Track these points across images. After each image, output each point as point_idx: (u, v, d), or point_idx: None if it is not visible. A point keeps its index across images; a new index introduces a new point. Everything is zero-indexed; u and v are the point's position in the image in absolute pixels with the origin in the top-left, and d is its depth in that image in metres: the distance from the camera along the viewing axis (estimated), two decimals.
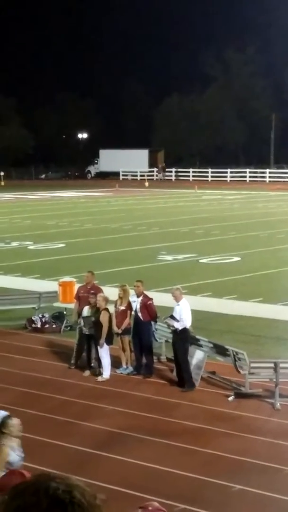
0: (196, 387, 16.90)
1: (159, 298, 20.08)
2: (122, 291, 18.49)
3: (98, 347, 17.75)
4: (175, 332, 17.43)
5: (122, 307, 18.23)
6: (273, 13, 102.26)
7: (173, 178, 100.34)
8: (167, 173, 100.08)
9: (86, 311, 18.35)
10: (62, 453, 13.33)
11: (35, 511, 1.75)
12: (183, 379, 17.02)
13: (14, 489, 1.84)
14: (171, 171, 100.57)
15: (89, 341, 18.28)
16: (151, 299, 18.36)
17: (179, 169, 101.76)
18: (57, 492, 1.78)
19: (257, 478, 12.31)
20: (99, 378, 17.59)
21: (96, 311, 18.00)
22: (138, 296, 18.17)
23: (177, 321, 17.25)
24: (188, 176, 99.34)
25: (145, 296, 18.26)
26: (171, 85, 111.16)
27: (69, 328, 21.36)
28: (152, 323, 18.27)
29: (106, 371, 17.66)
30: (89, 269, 21.00)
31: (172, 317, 17.40)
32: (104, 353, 17.67)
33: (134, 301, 18.15)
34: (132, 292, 18.61)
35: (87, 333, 18.22)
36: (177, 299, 17.45)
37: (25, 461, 12.93)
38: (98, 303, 17.91)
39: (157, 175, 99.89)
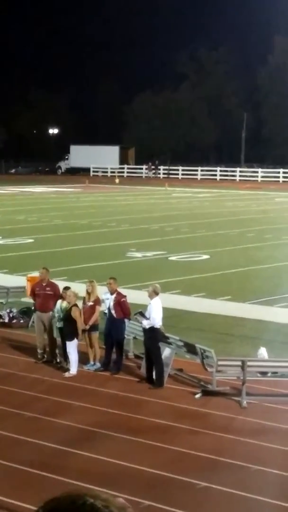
0: (164, 385, 16.90)
1: (128, 295, 20.04)
2: (90, 287, 18.45)
3: (67, 343, 17.71)
4: (144, 330, 17.42)
5: (90, 303, 18.19)
6: (247, 12, 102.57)
7: (143, 175, 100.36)
8: (157, 170, 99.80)
9: (59, 306, 18.38)
10: (30, 449, 13.26)
11: None
12: (152, 376, 17.00)
13: (49, 505, 1.80)
14: (159, 169, 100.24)
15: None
16: (125, 296, 18.32)
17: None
18: (95, 507, 1.76)
19: (223, 476, 12.33)
20: (66, 374, 17.54)
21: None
22: (111, 293, 18.12)
23: (147, 319, 17.23)
24: (159, 173, 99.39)
25: (119, 294, 18.21)
26: (143, 83, 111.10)
27: None
28: (126, 320, 18.22)
29: (74, 367, 17.62)
30: (58, 264, 20.92)
31: (142, 314, 17.39)
32: (72, 348, 17.63)
33: (108, 298, 18.09)
34: (105, 289, 18.56)
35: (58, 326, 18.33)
36: (150, 297, 17.43)
37: None
38: (68, 298, 17.87)
39: (147, 173, 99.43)
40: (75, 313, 17.69)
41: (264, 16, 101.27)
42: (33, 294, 19.37)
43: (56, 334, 18.70)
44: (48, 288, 18.97)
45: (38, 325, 18.96)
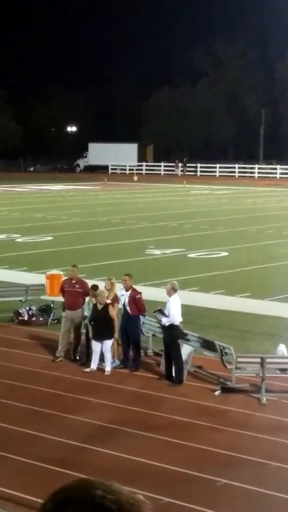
0: (183, 382, 16.91)
1: (147, 292, 20.08)
2: (109, 284, 18.47)
3: (104, 342, 17.59)
4: (164, 327, 17.43)
5: (108, 301, 18.20)
6: (265, 7, 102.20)
7: (162, 172, 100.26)
8: (186, 168, 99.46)
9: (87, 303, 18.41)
10: (48, 446, 13.31)
11: None
12: (171, 374, 17.02)
13: (56, 496, 1.74)
14: (191, 166, 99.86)
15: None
16: (140, 293, 18.33)
17: (168, 164, 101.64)
18: (104, 501, 1.69)
19: (243, 473, 12.33)
20: (106, 372, 17.45)
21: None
22: (126, 290, 18.13)
23: (166, 316, 17.23)
24: (188, 171, 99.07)
25: (134, 290, 18.22)
26: (161, 79, 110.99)
27: (56, 321, 21.34)
28: (140, 317, 18.24)
29: (109, 366, 17.65)
30: (77, 262, 20.97)
31: (161, 311, 17.39)
32: (109, 348, 17.65)
33: (123, 295, 18.11)
34: (120, 286, 18.59)
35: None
36: (168, 294, 17.43)
37: (12, 454, 12.93)
38: (101, 298, 17.71)
39: (181, 170, 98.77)
40: (112, 312, 17.65)
41: (282, 10, 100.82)
42: (62, 292, 19.38)
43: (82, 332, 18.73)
44: (77, 286, 18.96)
45: (65, 324, 18.87)
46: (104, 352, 17.69)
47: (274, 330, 21.00)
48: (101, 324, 17.69)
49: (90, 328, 18.24)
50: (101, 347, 17.69)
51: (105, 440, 13.58)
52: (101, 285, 19.08)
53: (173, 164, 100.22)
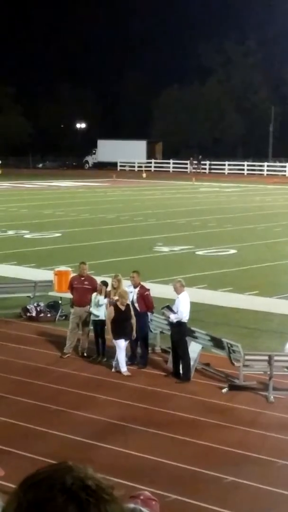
0: (191, 379, 16.89)
1: (155, 290, 20.07)
2: (116, 281, 18.43)
3: (124, 341, 17.45)
4: (171, 324, 17.40)
5: (116, 298, 18.15)
6: (275, 5, 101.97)
7: (171, 169, 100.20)
8: (201, 165, 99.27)
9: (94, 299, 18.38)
10: (55, 442, 13.32)
11: (50, 507, 1.67)
12: (179, 371, 17.00)
13: (28, 480, 1.74)
14: (203, 164, 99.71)
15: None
16: (148, 289, 18.31)
17: (177, 161, 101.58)
18: (73, 488, 1.69)
19: (250, 470, 12.31)
20: (124, 373, 17.32)
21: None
22: (134, 287, 18.11)
23: (174, 313, 17.21)
24: (186, 168, 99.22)
25: (142, 287, 18.20)
26: (170, 77, 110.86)
27: (64, 317, 21.36)
28: (149, 314, 18.21)
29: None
30: (85, 259, 20.97)
31: (170, 308, 17.36)
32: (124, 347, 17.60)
33: (131, 292, 18.08)
34: (128, 283, 18.57)
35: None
36: (177, 292, 17.40)
37: (18, 449, 12.94)
38: (122, 298, 17.54)
39: (194, 167, 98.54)
40: (131, 313, 17.51)
41: None
42: (71, 288, 19.36)
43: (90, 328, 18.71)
44: (86, 282, 18.96)
45: (73, 321, 18.86)
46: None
47: (282, 328, 20.96)
48: (124, 325, 17.41)
49: (92, 325, 18.32)
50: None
51: (112, 437, 13.58)
52: (108, 281, 19.06)
53: (185, 162, 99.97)
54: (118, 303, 17.55)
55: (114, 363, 17.57)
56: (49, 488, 1.70)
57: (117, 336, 17.39)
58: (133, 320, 17.52)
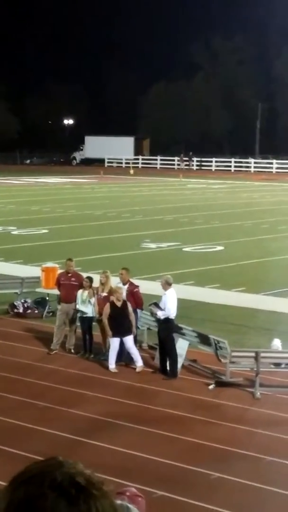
0: (178, 375, 16.92)
1: (143, 286, 20.05)
2: (104, 278, 18.44)
3: (126, 338, 17.37)
4: (159, 321, 17.43)
5: (104, 294, 18.17)
6: (263, 2, 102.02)
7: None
8: (190, 162, 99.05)
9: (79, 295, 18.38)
10: (43, 439, 13.33)
11: (41, 503, 1.68)
12: (166, 367, 17.03)
13: (18, 477, 1.75)
14: (193, 161, 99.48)
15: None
16: (138, 286, 18.32)
17: (164, 157, 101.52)
18: (63, 484, 1.70)
19: (237, 467, 12.36)
20: (138, 369, 17.27)
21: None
22: (124, 284, 18.11)
23: (161, 310, 17.22)
24: (173, 164, 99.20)
25: (131, 284, 18.21)
26: (158, 73, 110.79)
27: (51, 313, 21.36)
28: (138, 311, 18.19)
29: (140, 360, 17.48)
30: (72, 255, 20.97)
31: (157, 305, 17.37)
32: (132, 343, 17.43)
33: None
34: (117, 279, 18.57)
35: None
36: (164, 288, 17.42)
37: (8, 446, 12.95)
38: (118, 295, 17.54)
39: (178, 164, 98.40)
40: (129, 308, 17.50)
41: (280, 6, 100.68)
42: (58, 285, 19.38)
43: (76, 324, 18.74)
44: (73, 279, 18.98)
45: (60, 318, 18.88)
46: (129, 348, 17.45)
47: (269, 324, 21.02)
48: (121, 321, 17.36)
49: (79, 321, 18.32)
50: (122, 344, 17.55)
51: (100, 434, 13.60)
52: (96, 278, 19.08)
53: (173, 158, 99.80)
54: (114, 299, 17.56)
55: (122, 358, 17.59)
56: (40, 484, 1.70)
57: (115, 333, 17.36)
58: (132, 317, 17.50)
